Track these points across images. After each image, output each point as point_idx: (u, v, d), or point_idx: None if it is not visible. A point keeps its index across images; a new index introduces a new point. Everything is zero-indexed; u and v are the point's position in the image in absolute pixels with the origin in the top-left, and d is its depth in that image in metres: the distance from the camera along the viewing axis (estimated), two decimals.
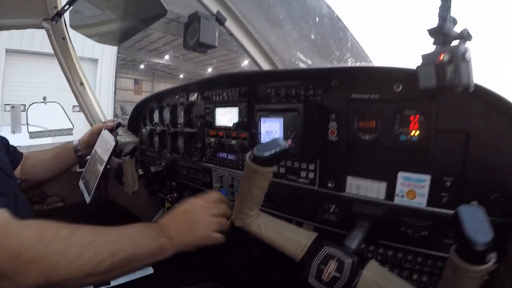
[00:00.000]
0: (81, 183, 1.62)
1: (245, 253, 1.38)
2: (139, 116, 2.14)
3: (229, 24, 1.52)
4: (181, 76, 20.54)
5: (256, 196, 0.83)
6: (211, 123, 1.44)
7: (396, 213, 0.88)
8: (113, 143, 1.42)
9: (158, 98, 1.90)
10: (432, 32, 0.72)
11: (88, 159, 1.65)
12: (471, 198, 0.78)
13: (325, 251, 0.76)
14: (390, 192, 0.90)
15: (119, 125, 1.64)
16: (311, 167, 1.07)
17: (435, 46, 0.72)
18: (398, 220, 0.88)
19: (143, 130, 2.10)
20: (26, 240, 0.62)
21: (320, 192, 1.05)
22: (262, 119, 1.17)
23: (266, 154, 0.74)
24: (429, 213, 0.84)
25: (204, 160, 1.52)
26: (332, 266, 0.73)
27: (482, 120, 0.76)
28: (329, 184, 1.03)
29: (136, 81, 19.21)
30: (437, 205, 0.83)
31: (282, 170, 1.15)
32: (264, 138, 1.17)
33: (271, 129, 1.14)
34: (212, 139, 1.42)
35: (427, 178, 0.84)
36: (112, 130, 1.59)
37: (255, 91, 1.25)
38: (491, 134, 0.75)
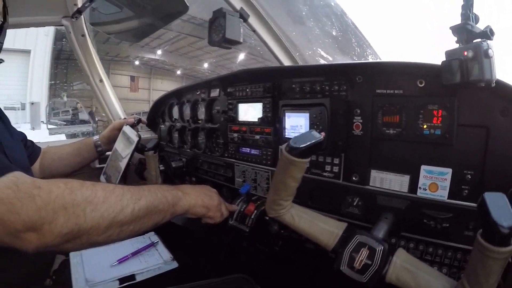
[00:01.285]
0: (102, 178, 1.71)
1: (267, 247, 1.45)
2: (158, 113, 2.25)
3: (252, 20, 1.59)
4: (179, 72, 20.35)
5: (291, 187, 0.90)
6: (234, 118, 1.52)
7: (418, 206, 0.95)
8: (137, 138, 1.50)
9: (178, 94, 1.99)
10: (456, 29, 0.78)
11: (109, 155, 1.72)
12: (491, 190, 0.83)
13: (357, 239, 0.83)
14: (413, 185, 0.97)
15: (139, 121, 1.72)
16: (336, 161, 1.14)
17: (457, 43, 0.78)
18: (421, 213, 0.94)
19: (162, 126, 2.20)
20: (55, 189, 0.65)
21: (345, 186, 1.12)
22: (286, 114, 1.25)
23: (303, 145, 0.82)
24: (450, 206, 0.90)
25: (226, 155, 1.60)
26: (363, 253, 0.81)
27: (501, 116, 0.82)
28: (354, 178, 1.10)
29: (132, 78, 19.30)
30: (458, 198, 0.90)
31: (307, 164, 1.21)
32: (289, 133, 1.24)
33: (296, 123, 1.22)
34: (235, 134, 1.50)
35: (448, 171, 0.91)
36: (133, 126, 1.67)
37: (279, 86, 1.33)
38: (510, 129, 0.81)
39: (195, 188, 1.07)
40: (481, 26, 0.75)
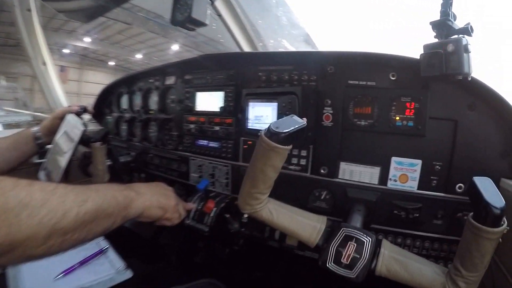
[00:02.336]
0: (42, 174, 1.45)
1: (227, 246, 1.38)
2: (104, 102, 1.99)
3: (218, 3, 1.47)
4: (112, 63, 19.07)
5: (270, 178, 0.83)
6: (191, 108, 1.40)
7: (389, 197, 0.97)
8: (82, 128, 1.29)
9: (128, 82, 1.78)
10: (436, 24, 0.79)
11: (49, 148, 1.48)
12: (457, 180, 0.89)
13: (344, 232, 0.80)
14: (383, 177, 0.98)
15: (85, 110, 1.49)
16: (303, 153, 1.11)
17: (436, 38, 0.80)
18: (391, 204, 0.97)
19: (109, 117, 1.95)
20: None
21: (312, 179, 1.09)
22: (250, 103, 1.17)
23: (286, 130, 0.75)
24: (420, 196, 0.94)
25: (180, 148, 1.48)
26: (351, 247, 0.77)
27: (469, 110, 0.87)
28: (322, 171, 1.08)
29: (63, 68, 17.35)
30: (427, 188, 0.94)
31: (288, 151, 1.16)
32: (253, 123, 1.17)
33: (262, 114, 1.15)
34: (192, 126, 1.38)
35: (418, 163, 0.94)
36: (78, 115, 1.45)
37: (243, 74, 1.24)
38: (476, 122, 0.87)
39: (149, 187, 0.95)
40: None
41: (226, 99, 1.27)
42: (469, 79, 0.75)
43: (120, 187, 0.83)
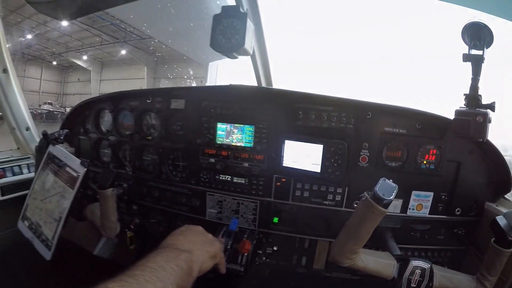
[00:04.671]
0: (22, 226, 1.13)
1: (253, 278, 1.42)
2: (77, 120, 1.67)
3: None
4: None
5: (369, 235, 0.98)
6: (210, 140, 1.35)
7: (407, 222, 1.25)
8: (83, 170, 1.09)
9: (114, 100, 1.53)
10: (468, 97, 1.06)
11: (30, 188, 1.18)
12: (457, 206, 1.24)
13: (413, 264, 1.01)
14: (404, 207, 1.25)
15: (67, 136, 1.23)
16: (339, 190, 1.27)
17: (465, 106, 1.07)
18: (409, 227, 1.24)
19: (83, 137, 1.62)
20: None
21: (347, 212, 1.27)
22: (287, 141, 1.26)
23: (391, 198, 0.91)
24: (429, 219, 1.25)
25: (193, 182, 1.41)
26: (417, 274, 1.00)
27: (469, 154, 1.21)
28: (355, 205, 1.27)
29: None
30: (435, 213, 1.25)
31: (306, 193, 1.29)
32: (288, 162, 1.26)
33: (300, 153, 1.25)
34: (212, 160, 1.34)
35: (431, 194, 1.24)
36: (57, 141, 1.19)
37: (279, 110, 1.29)
38: (473, 163, 1.22)
39: (189, 238, 0.89)
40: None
41: (257, 134, 1.30)
42: (484, 141, 1.06)
43: (173, 253, 0.78)
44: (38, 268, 1.26)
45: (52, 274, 1.38)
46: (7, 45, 1.57)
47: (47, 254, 1.14)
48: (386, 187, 0.93)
